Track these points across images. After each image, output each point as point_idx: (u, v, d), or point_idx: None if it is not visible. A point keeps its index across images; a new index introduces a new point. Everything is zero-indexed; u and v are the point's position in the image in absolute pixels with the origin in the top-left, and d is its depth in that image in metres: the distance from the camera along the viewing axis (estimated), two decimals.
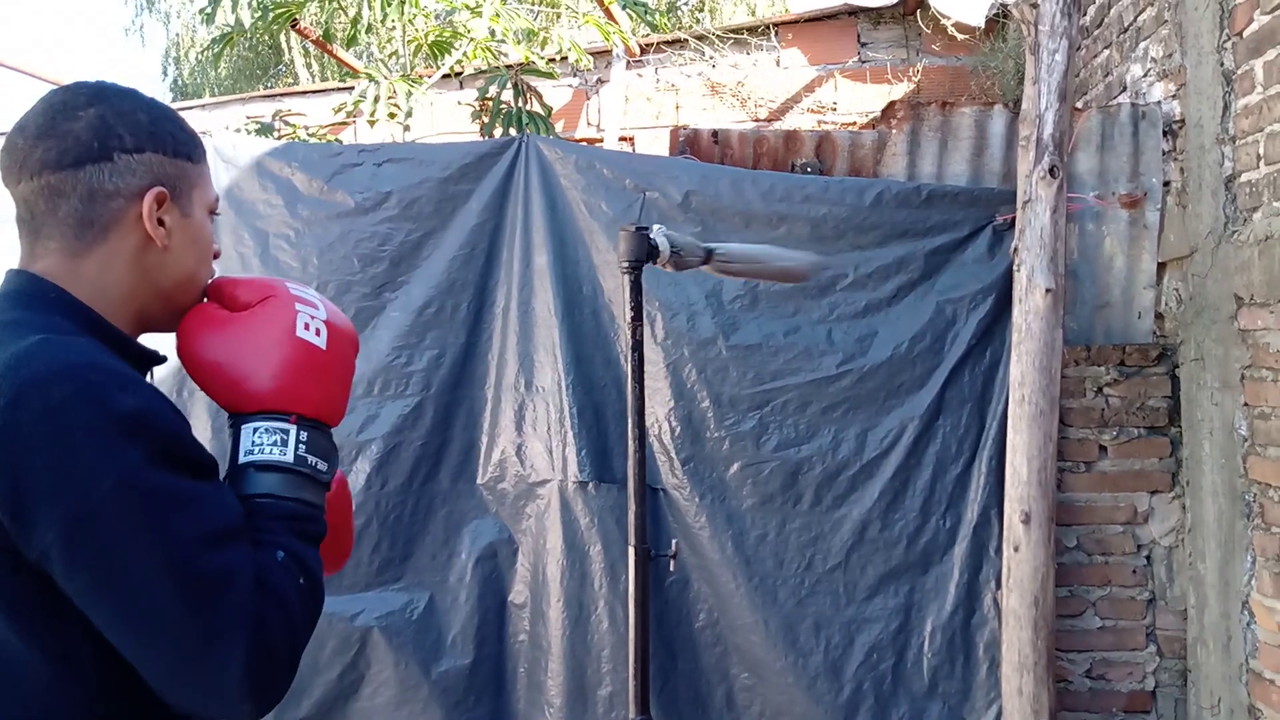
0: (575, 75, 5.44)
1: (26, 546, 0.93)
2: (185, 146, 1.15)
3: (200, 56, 13.22)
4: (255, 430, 1.09)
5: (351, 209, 3.23)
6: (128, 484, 0.93)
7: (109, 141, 1.07)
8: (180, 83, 13.99)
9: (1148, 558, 3.15)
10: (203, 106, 6.10)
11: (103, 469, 0.92)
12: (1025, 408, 2.87)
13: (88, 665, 0.98)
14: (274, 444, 1.09)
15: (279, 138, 4.42)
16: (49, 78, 5.21)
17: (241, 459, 1.09)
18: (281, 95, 5.79)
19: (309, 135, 4.61)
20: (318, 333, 1.14)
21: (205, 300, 1.18)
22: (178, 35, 13.94)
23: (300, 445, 1.10)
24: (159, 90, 14.46)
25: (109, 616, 0.95)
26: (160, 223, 1.11)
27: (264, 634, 0.98)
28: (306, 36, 5.05)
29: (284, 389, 1.11)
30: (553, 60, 5.00)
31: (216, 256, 1.22)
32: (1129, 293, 3.22)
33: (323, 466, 1.13)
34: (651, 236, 1.96)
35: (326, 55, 5.79)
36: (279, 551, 1.04)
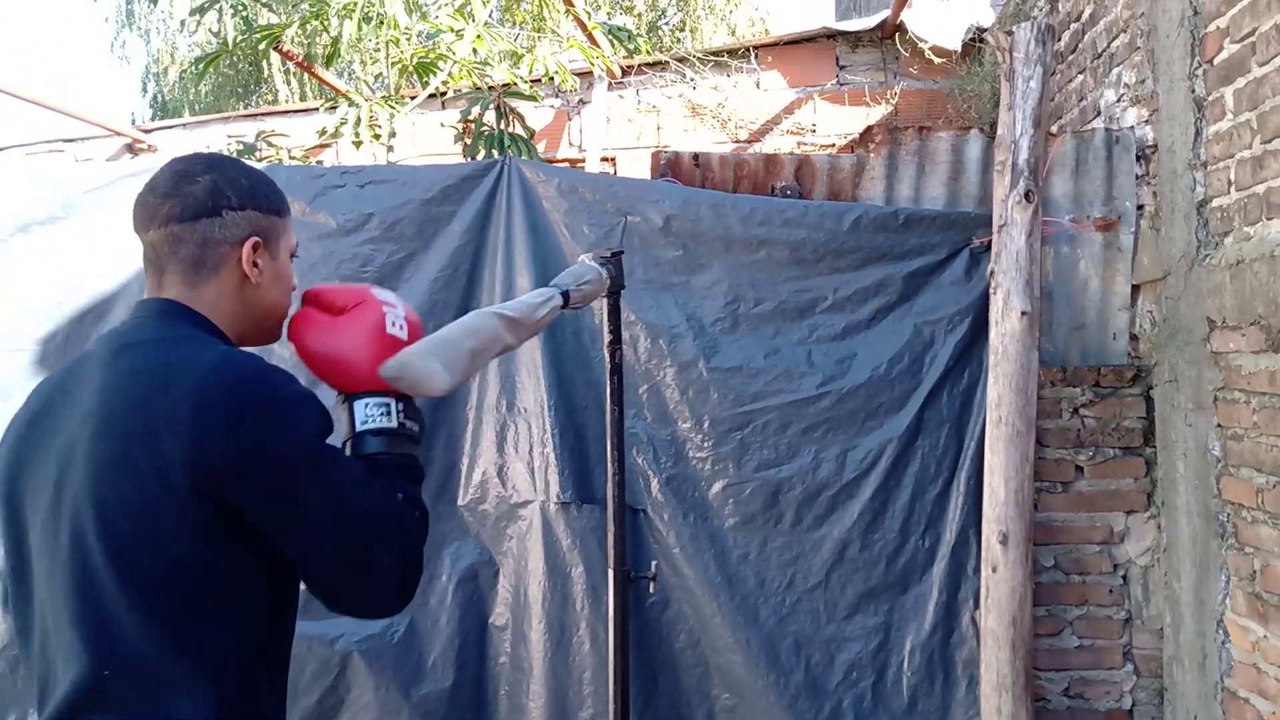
0: (557, 96, 5.48)
1: (238, 492, 1.23)
2: (275, 205, 1.46)
3: (182, 74, 13.20)
4: (365, 405, 1.39)
5: (334, 230, 3.24)
6: (311, 445, 1.29)
7: (220, 201, 1.39)
8: (160, 99, 13.97)
9: (1124, 577, 3.18)
10: (184, 126, 6.10)
11: (297, 434, 1.28)
12: (1002, 428, 2.90)
13: (260, 591, 1.31)
14: (381, 414, 1.39)
15: (262, 159, 4.43)
16: (28, 97, 5.20)
17: (359, 427, 1.39)
18: (263, 115, 5.80)
19: (291, 158, 4.61)
20: (401, 328, 1.43)
21: (305, 306, 1.47)
22: (158, 52, 13.92)
23: (400, 414, 1.41)
24: (139, 106, 14.42)
25: (297, 540, 1.28)
26: (255, 264, 1.42)
27: (402, 547, 1.34)
28: (290, 58, 5.06)
29: None
30: (536, 81, 5.03)
31: (293, 289, 1.51)
32: (1104, 315, 3.26)
33: (414, 427, 1.43)
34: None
35: (308, 75, 5.79)
36: (399, 494, 1.37)
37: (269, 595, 1.33)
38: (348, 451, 1.40)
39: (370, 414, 1.39)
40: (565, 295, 1.84)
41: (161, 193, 1.39)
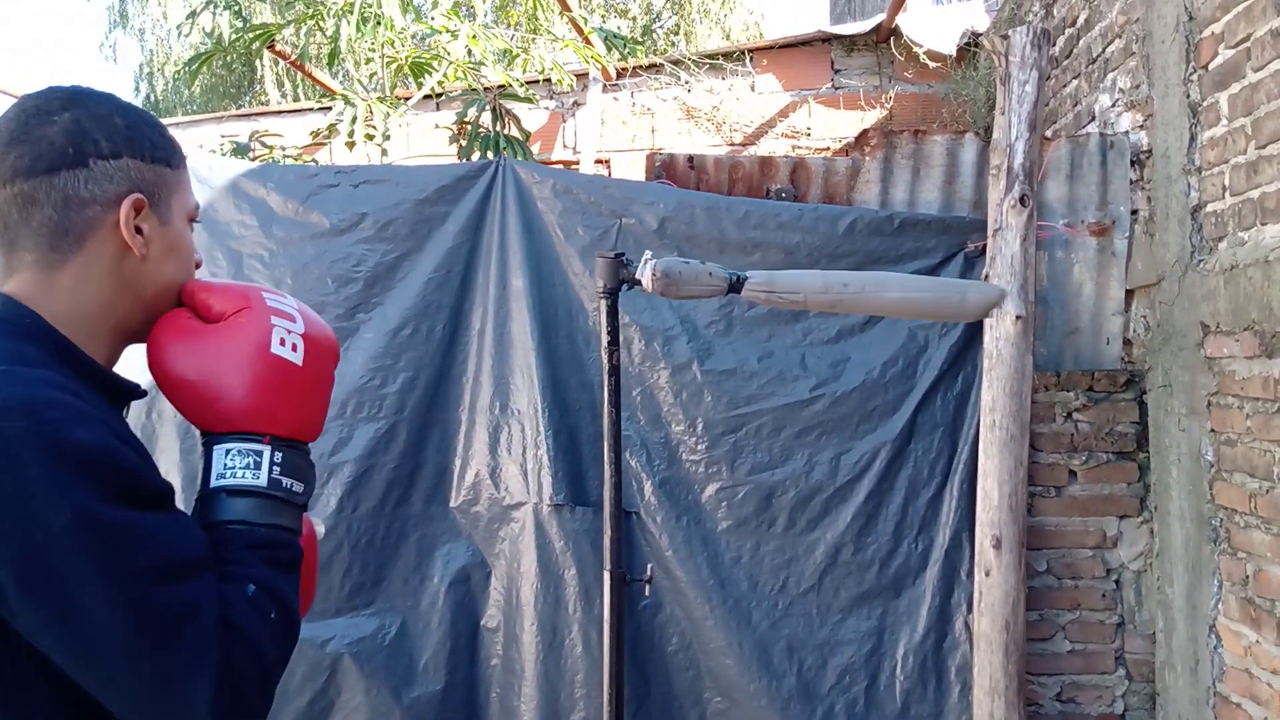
0: (552, 98, 5.47)
1: None
2: (163, 152, 1.11)
3: (176, 74, 13.17)
4: (227, 452, 1.05)
5: (327, 230, 3.23)
6: (82, 520, 0.89)
7: (84, 147, 1.04)
8: (153, 99, 13.93)
9: (1117, 582, 3.18)
10: (177, 125, 6.07)
11: (55, 506, 0.89)
12: (996, 433, 2.90)
13: (42, 704, 0.95)
14: (246, 467, 1.05)
15: (255, 158, 4.41)
16: (18, 94, 5.17)
17: (213, 483, 1.05)
18: (256, 115, 5.79)
19: (286, 157, 4.60)
20: (294, 348, 1.10)
21: (179, 306, 1.13)
22: (151, 52, 13.89)
23: (275, 468, 1.07)
24: None
25: (67, 654, 0.92)
26: (138, 231, 1.07)
27: (230, 673, 0.95)
28: (284, 58, 5.05)
29: (257, 408, 1.07)
30: (532, 82, 5.02)
31: (198, 266, 1.18)
32: (1098, 319, 3.27)
33: (298, 488, 1.09)
34: (634, 266, 1.96)
35: (301, 75, 5.78)
36: (249, 585, 1.01)
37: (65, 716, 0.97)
38: (197, 516, 1.06)
39: (231, 465, 1.05)
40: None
41: (5, 139, 1.03)
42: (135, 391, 1.12)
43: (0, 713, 0.93)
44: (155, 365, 1.09)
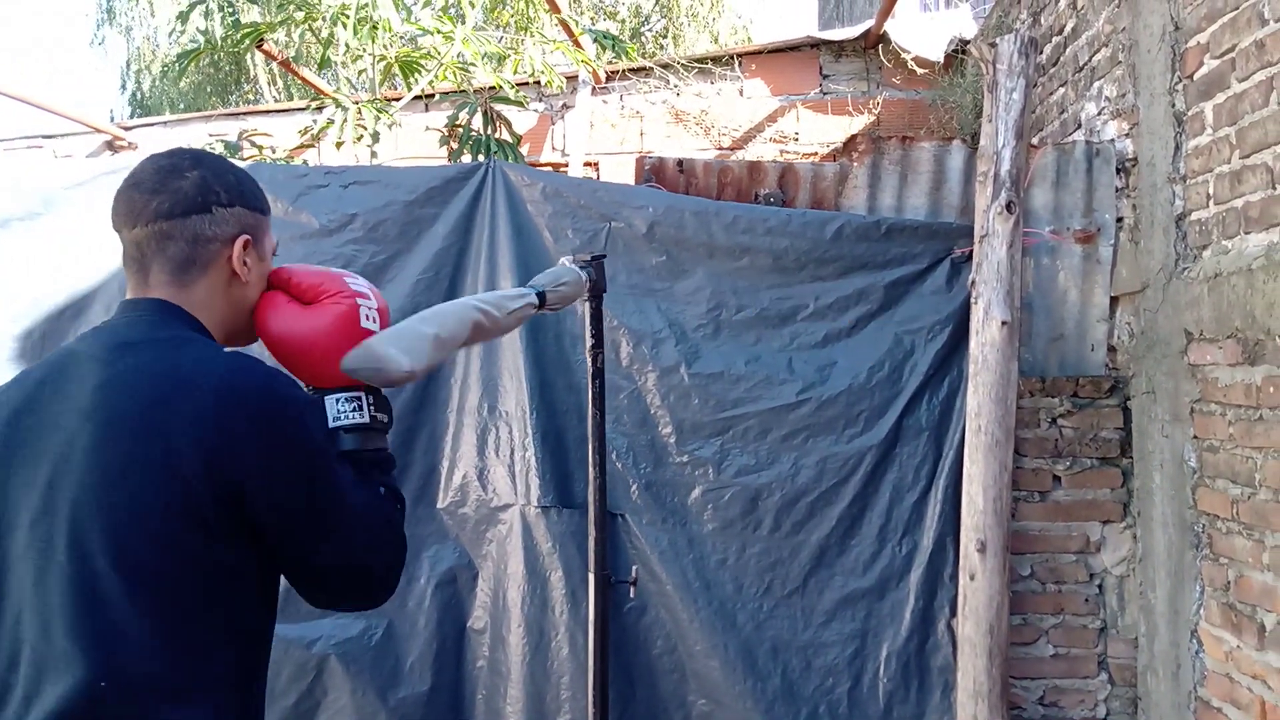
0: (541, 100, 5.48)
1: (257, 496, 1.24)
2: (260, 202, 1.45)
3: (163, 71, 13.11)
4: (337, 401, 1.39)
5: (316, 230, 3.23)
6: (322, 450, 1.32)
7: (210, 197, 1.37)
8: (139, 96, 13.88)
9: (1100, 586, 3.20)
10: (164, 124, 6.06)
11: (311, 441, 1.31)
12: (981, 438, 2.92)
13: (252, 602, 1.32)
14: (354, 409, 1.40)
15: (245, 158, 4.40)
16: (8, 91, 5.15)
17: (332, 423, 1.38)
18: (245, 114, 5.77)
19: (274, 158, 4.59)
20: (374, 321, 1.43)
21: (273, 290, 1.45)
22: (139, 49, 13.83)
23: (371, 407, 1.41)
24: (117, 103, 14.33)
25: (311, 540, 1.30)
26: (245, 263, 1.40)
27: (394, 540, 1.40)
28: (273, 58, 5.03)
29: None
30: (521, 84, 5.03)
31: None
32: (1082, 326, 3.29)
33: (384, 418, 1.44)
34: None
35: (290, 74, 5.77)
36: (380, 487, 1.40)
37: (263, 604, 1.34)
38: None
39: (343, 410, 1.39)
40: (541, 296, 1.83)
41: (148, 189, 1.36)
42: None
43: (228, 604, 1.27)
44: (270, 336, 1.42)
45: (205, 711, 1.24)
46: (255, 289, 1.44)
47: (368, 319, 1.42)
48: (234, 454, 1.23)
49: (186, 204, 1.35)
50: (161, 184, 1.36)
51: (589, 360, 2.02)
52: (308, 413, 1.32)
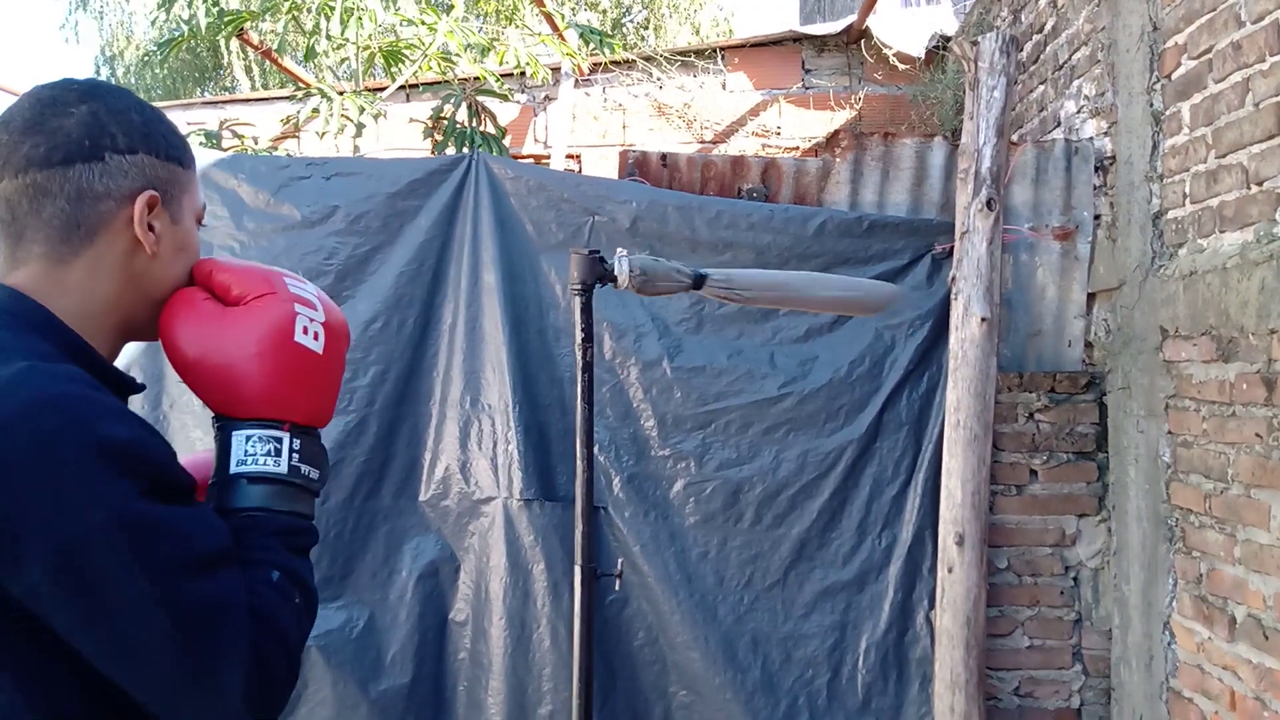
0: (524, 91, 5.47)
1: (13, 581, 0.88)
2: (177, 150, 1.10)
3: (140, 57, 12.98)
4: (248, 439, 1.04)
5: (298, 222, 3.22)
6: (118, 516, 0.89)
7: (101, 140, 1.02)
8: (114, 83, 13.72)
9: (1075, 579, 3.25)
10: None
11: (93, 501, 0.88)
12: (960, 432, 2.95)
13: (74, 703, 0.94)
14: (267, 454, 1.04)
15: (227, 148, 4.38)
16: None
17: (233, 469, 1.04)
18: (224, 102, 5.73)
19: (256, 148, 4.57)
20: (316, 336, 1.09)
21: (191, 286, 1.11)
22: (112, 34, 13.68)
23: (294, 455, 1.06)
24: None
25: (102, 650, 0.91)
26: (150, 228, 1.05)
27: (261, 662, 0.95)
28: (254, 47, 5.00)
29: (279, 396, 1.06)
30: (505, 75, 5.02)
31: None
32: (1060, 322, 3.33)
33: (314, 475, 1.09)
34: (610, 263, 1.98)
35: (270, 62, 5.73)
36: (273, 571, 1.01)
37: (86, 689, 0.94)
38: (214, 500, 1.05)
39: (251, 451, 1.04)
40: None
41: (19, 128, 1.01)
42: (134, 386, 1.11)
43: (32, 712, 0.92)
44: (173, 343, 1.07)
45: None
46: (170, 267, 1.09)
47: (305, 332, 1.07)
48: None
49: (69, 149, 1.01)
50: (38, 122, 1.01)
51: (579, 354, 2.02)
52: (105, 457, 0.89)
